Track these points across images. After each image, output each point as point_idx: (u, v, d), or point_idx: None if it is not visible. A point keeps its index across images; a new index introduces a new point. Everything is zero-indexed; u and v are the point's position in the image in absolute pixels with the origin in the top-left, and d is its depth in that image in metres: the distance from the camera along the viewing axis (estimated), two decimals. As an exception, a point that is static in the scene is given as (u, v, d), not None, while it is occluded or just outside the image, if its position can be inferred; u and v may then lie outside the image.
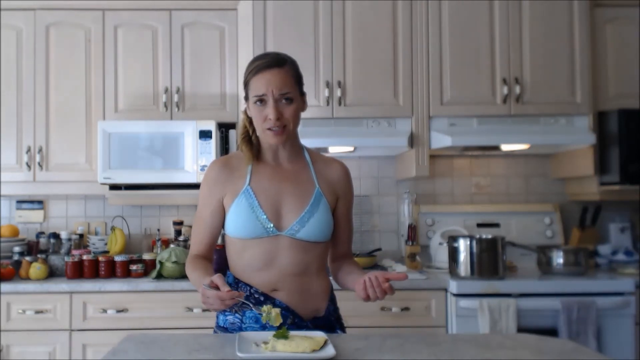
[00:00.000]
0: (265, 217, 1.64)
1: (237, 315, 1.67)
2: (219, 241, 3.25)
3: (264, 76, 1.63)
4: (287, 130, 1.65)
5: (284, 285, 1.67)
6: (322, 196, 1.70)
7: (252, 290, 1.67)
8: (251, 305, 1.55)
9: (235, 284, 1.70)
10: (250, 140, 1.72)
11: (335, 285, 1.80)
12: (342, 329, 1.79)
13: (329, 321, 1.73)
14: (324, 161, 1.79)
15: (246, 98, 1.70)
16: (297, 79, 1.69)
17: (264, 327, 1.62)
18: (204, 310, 2.78)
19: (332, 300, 1.78)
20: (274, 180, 1.70)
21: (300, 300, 1.67)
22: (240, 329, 1.66)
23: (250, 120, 1.70)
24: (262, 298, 1.65)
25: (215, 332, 1.75)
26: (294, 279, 1.67)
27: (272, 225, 1.64)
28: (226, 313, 1.69)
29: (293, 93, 1.65)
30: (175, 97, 3.16)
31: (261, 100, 1.63)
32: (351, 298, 2.73)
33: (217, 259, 2.93)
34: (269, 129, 1.63)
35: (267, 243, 1.65)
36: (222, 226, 1.73)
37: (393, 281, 1.54)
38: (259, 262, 1.66)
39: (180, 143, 3.04)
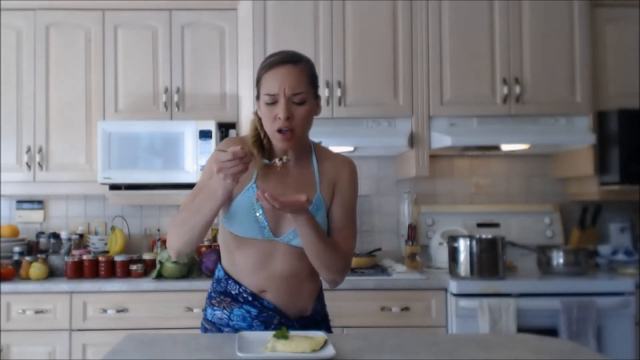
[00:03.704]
0: (264, 220, 1.61)
1: (225, 311, 1.67)
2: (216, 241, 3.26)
3: (277, 72, 1.56)
4: (296, 134, 1.58)
5: (274, 287, 1.64)
6: (322, 204, 1.65)
7: (240, 289, 1.66)
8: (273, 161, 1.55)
9: (226, 280, 1.69)
10: (262, 143, 1.63)
11: (324, 285, 1.76)
12: (328, 328, 1.77)
13: (315, 320, 1.72)
14: (330, 159, 1.71)
15: (257, 97, 1.62)
16: (312, 80, 1.61)
17: (250, 326, 1.63)
18: (203, 310, 2.78)
19: (320, 299, 1.76)
20: (279, 184, 1.64)
21: (288, 301, 1.66)
22: (228, 325, 1.66)
23: (261, 122, 1.63)
24: (250, 298, 1.65)
25: (202, 325, 1.74)
26: (284, 282, 1.65)
27: (269, 229, 1.61)
28: (214, 308, 1.69)
29: (306, 94, 1.57)
30: (175, 97, 3.16)
31: (272, 98, 1.56)
32: (351, 298, 2.75)
33: (216, 259, 2.93)
34: (279, 130, 1.56)
35: (261, 245, 1.63)
36: (221, 208, 1.61)
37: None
38: (252, 262, 1.64)
39: (180, 143, 3.04)
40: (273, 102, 1.56)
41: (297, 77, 1.56)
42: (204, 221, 1.56)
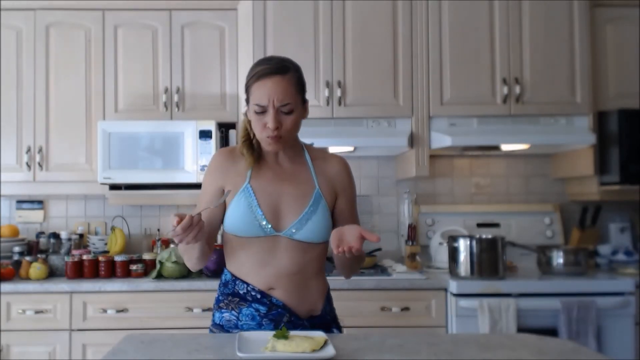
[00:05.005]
0: (263, 217, 1.63)
1: (233, 312, 1.67)
2: (219, 241, 3.26)
3: (265, 84, 1.60)
4: (284, 139, 1.63)
5: (281, 284, 1.66)
6: (321, 197, 1.69)
7: (248, 288, 1.67)
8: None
9: (233, 281, 1.70)
10: (251, 143, 1.70)
11: (331, 285, 1.79)
12: (339, 328, 1.79)
13: (326, 320, 1.73)
14: (323, 157, 1.77)
15: (247, 101, 1.67)
16: (300, 87, 1.65)
17: (260, 325, 1.63)
18: (204, 310, 2.78)
19: (329, 299, 1.77)
20: (274, 180, 1.68)
21: (297, 298, 1.67)
22: (237, 327, 1.66)
23: (250, 123, 1.68)
24: (258, 295, 1.65)
25: (211, 330, 1.74)
26: (291, 278, 1.66)
27: (270, 226, 1.64)
28: (222, 310, 1.69)
29: (294, 103, 1.61)
30: (175, 97, 3.16)
31: (262, 108, 1.61)
32: (351, 298, 2.75)
33: (217, 258, 2.94)
34: (268, 136, 1.62)
35: (264, 242, 1.65)
36: (221, 219, 1.70)
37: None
38: (257, 260, 1.66)
39: (180, 143, 3.04)
40: (262, 112, 1.61)
41: (284, 88, 1.60)
42: (194, 257, 1.67)
